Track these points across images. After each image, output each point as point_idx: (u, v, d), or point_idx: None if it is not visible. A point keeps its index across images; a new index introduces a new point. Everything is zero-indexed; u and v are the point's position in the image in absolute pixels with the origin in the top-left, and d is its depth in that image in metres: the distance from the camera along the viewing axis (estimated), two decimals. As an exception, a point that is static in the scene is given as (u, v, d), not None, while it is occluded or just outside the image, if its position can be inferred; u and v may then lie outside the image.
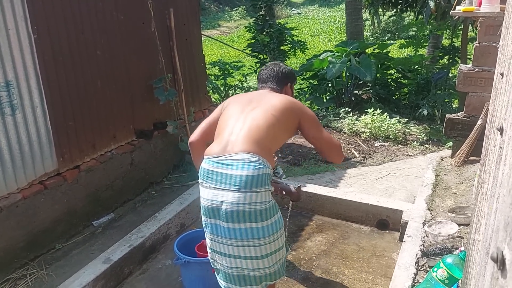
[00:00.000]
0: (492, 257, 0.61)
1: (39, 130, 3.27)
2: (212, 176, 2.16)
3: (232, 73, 7.92)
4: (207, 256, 2.75)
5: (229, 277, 2.25)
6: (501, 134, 0.99)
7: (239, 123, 2.26)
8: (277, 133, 2.29)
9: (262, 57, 7.98)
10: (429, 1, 6.67)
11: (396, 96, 7.95)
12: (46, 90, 3.27)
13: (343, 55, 7.45)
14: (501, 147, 0.92)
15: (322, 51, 8.80)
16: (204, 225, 2.27)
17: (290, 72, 2.58)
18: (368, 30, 16.69)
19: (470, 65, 3.72)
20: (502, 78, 1.52)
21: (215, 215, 2.15)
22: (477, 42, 3.61)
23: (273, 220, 2.15)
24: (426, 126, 6.18)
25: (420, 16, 8.27)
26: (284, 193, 2.75)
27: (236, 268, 2.20)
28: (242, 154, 2.12)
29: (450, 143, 4.98)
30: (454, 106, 7.64)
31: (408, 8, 8.66)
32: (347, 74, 7.65)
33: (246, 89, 7.85)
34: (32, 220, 3.25)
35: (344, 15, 10.87)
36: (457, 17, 5.19)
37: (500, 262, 0.58)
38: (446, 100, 7.30)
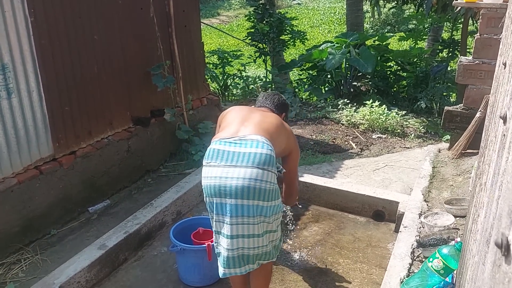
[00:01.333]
0: (496, 243, 0.60)
1: (35, 115, 3.24)
2: (222, 155, 2.23)
3: (231, 61, 7.87)
4: (203, 244, 2.79)
5: (228, 260, 2.31)
6: (504, 122, 0.98)
7: (251, 118, 2.38)
8: (280, 139, 2.42)
9: (262, 47, 7.92)
10: (430, -7, 6.63)
11: (395, 89, 7.93)
12: (42, 74, 3.23)
13: (343, 47, 7.42)
14: (504, 135, 0.90)
15: (321, 42, 8.76)
16: (209, 208, 2.33)
17: (288, 105, 2.82)
18: (368, 22, 16.65)
19: (470, 58, 3.69)
20: (504, 68, 1.50)
21: (221, 194, 2.21)
22: (478, 34, 3.58)
23: (276, 203, 2.29)
24: (424, 119, 6.18)
25: (421, 9, 8.24)
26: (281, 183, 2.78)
27: (237, 249, 2.27)
28: (256, 136, 2.25)
29: (448, 136, 4.97)
30: (452, 99, 7.63)
31: (409, 0, 8.62)
32: (347, 65, 7.62)
33: (245, 78, 7.81)
34: (27, 205, 3.23)
35: (345, 6, 10.81)
36: (457, 9, 5.16)
37: (504, 247, 0.57)
38: (444, 94, 7.28)
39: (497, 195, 0.83)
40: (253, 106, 2.75)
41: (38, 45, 3.17)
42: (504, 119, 0.97)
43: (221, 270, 2.38)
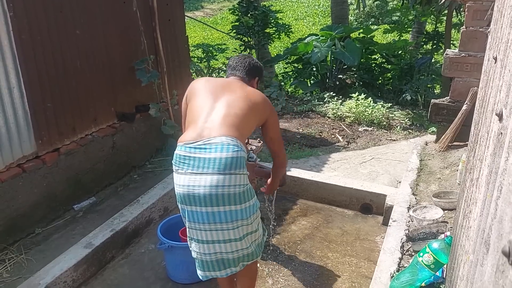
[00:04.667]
0: (503, 251, 0.58)
1: (16, 112, 3.16)
2: (188, 162, 2.14)
3: (216, 55, 7.81)
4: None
5: (206, 264, 2.25)
6: (500, 119, 0.96)
7: (215, 110, 2.26)
8: (250, 123, 2.32)
9: (247, 40, 7.87)
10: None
11: (380, 81, 7.96)
12: (23, 71, 3.15)
13: (328, 39, 7.41)
14: (501, 133, 0.89)
15: (306, 35, 8.73)
16: (182, 214, 2.27)
17: (261, 68, 2.65)
18: (352, 14, 16.65)
19: (456, 50, 3.71)
20: (495, 63, 1.49)
21: (191, 201, 2.13)
22: (464, 27, 3.59)
23: (250, 204, 2.19)
24: (409, 111, 6.21)
25: (405, 1, 8.26)
26: (269, 178, 2.75)
27: (214, 253, 2.21)
28: (221, 138, 2.13)
29: (433, 128, 5.01)
30: (436, 91, 7.68)
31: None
32: (332, 58, 7.61)
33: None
34: (10, 204, 3.16)
35: (329, -1, 10.79)
36: (442, 2, 5.17)
37: (512, 256, 0.56)
38: (428, 86, 7.32)
39: (495, 195, 0.81)
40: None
41: (18, 41, 3.08)
42: (500, 116, 0.96)
43: (199, 273, 2.30)
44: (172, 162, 2.22)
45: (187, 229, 2.25)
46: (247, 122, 2.27)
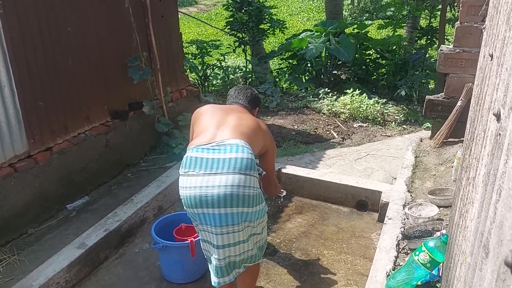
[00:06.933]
0: (506, 262, 0.56)
1: (7, 111, 3.12)
2: (201, 163, 2.13)
3: (210, 51, 7.76)
4: (186, 240, 2.75)
5: (221, 270, 2.27)
6: (498, 119, 0.94)
7: (228, 121, 2.30)
8: (258, 140, 2.36)
9: (241, 36, 7.82)
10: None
11: (375, 77, 7.93)
12: (14, 69, 3.11)
13: (323, 35, 7.37)
14: (499, 134, 0.87)
15: (300, 31, 8.69)
16: (191, 217, 2.27)
17: (260, 98, 2.76)
18: (347, 10, 16.63)
19: (451, 46, 3.69)
20: (491, 60, 1.47)
21: (202, 204, 2.12)
22: (458, 22, 3.57)
23: (260, 207, 2.24)
24: (404, 107, 6.20)
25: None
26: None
27: (224, 258, 2.23)
28: (235, 140, 2.16)
29: (427, 124, 5.00)
30: (431, 86, 7.66)
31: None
32: (326, 54, 7.58)
33: (225, 68, 7.71)
34: (2, 204, 3.13)
35: (323, -6, 10.74)
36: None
37: (515, 267, 0.54)
38: (423, 81, 7.30)
39: (494, 198, 0.79)
40: (225, 104, 2.68)
41: (8, 39, 3.04)
42: (498, 116, 0.94)
43: (214, 279, 2.32)
44: (181, 166, 2.21)
45: (199, 231, 2.28)
46: (256, 137, 2.32)
